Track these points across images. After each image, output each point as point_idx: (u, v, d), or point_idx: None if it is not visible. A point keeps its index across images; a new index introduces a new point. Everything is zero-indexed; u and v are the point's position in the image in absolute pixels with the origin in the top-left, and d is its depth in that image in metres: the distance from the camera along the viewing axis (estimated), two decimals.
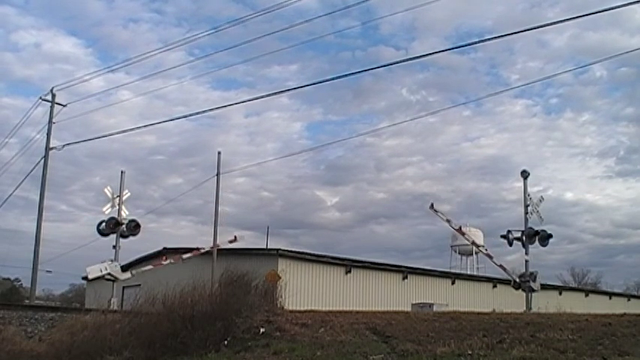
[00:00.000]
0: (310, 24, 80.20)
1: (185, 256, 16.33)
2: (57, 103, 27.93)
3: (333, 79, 18.30)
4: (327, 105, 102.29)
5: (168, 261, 18.27)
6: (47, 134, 27.51)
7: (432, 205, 17.94)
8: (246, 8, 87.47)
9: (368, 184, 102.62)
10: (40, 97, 28.12)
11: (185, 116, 35.93)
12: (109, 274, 19.41)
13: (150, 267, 20.37)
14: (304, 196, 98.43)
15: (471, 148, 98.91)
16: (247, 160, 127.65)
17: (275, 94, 20.42)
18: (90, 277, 19.45)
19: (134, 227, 20.71)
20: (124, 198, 21.02)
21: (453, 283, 29.38)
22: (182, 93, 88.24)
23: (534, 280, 19.16)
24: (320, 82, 17.74)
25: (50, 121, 27.71)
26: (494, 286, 30.46)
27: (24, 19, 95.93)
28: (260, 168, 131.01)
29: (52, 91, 28.05)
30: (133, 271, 21.27)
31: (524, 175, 20.23)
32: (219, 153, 27.26)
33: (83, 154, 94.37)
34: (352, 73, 17.05)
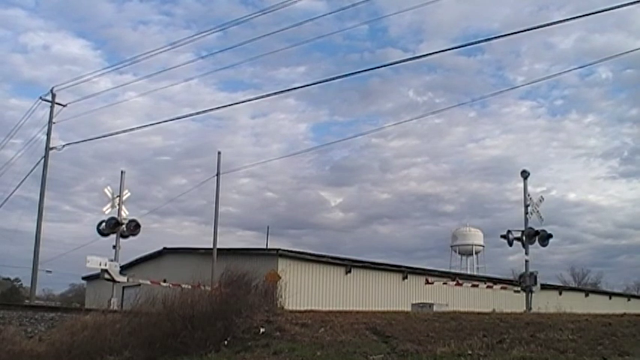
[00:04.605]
0: (318, 27, 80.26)
1: (184, 285, 16.51)
2: (57, 103, 27.93)
3: (336, 78, 18.37)
4: (333, 106, 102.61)
5: (167, 284, 18.35)
6: (47, 134, 27.55)
7: (426, 280, 18.36)
8: (256, 10, 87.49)
9: (372, 185, 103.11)
10: (40, 97, 28.14)
11: (186, 116, 35.95)
12: (106, 272, 19.40)
13: (148, 282, 20.39)
14: (308, 197, 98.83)
15: (475, 148, 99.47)
16: (252, 161, 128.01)
17: (277, 93, 20.51)
18: (88, 265, 19.46)
19: (134, 227, 20.70)
20: (124, 198, 21.01)
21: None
22: (189, 94, 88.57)
23: (535, 282, 19.15)
24: (324, 82, 17.80)
25: (50, 121, 27.73)
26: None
27: (33, 21, 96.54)
28: (264, 169, 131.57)
29: (52, 91, 28.05)
30: (130, 278, 21.31)
31: (524, 175, 20.25)
32: (219, 153, 27.37)
33: (88, 155, 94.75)
34: (354, 73, 17.01)
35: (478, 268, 52.56)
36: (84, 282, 39.71)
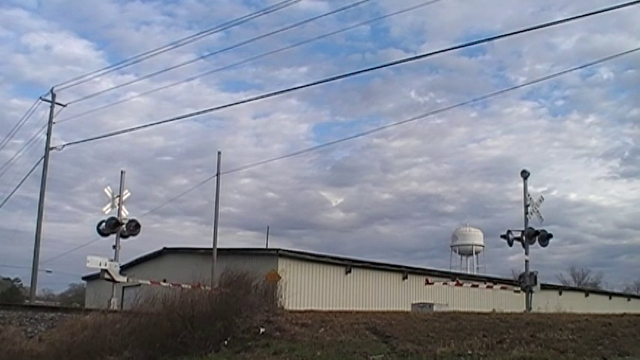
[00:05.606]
0: (321, 27, 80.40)
1: (184, 285, 16.50)
2: (57, 103, 27.94)
3: (337, 77, 18.31)
4: (335, 107, 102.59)
5: (167, 284, 18.36)
6: (47, 134, 27.56)
7: (426, 280, 18.38)
8: (258, 10, 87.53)
9: (373, 185, 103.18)
10: (41, 97, 28.16)
11: (187, 115, 36.03)
12: (106, 272, 19.40)
13: (148, 282, 20.36)
14: (309, 197, 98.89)
15: (477, 149, 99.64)
16: (254, 161, 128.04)
17: (279, 93, 20.32)
18: (88, 265, 19.46)
19: (134, 227, 20.70)
20: (125, 198, 21.02)
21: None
22: (191, 94, 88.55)
23: (535, 282, 19.16)
24: (326, 81, 17.84)
25: (50, 121, 27.74)
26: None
27: (36, 21, 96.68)
28: (266, 169, 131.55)
29: (52, 91, 28.06)
30: (130, 278, 21.30)
31: (524, 175, 20.26)
32: (219, 153, 27.38)
33: (90, 155, 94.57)
34: (356, 72, 17.07)
35: (478, 268, 52.57)
36: (84, 282, 39.71)
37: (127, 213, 21.02)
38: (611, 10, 12.06)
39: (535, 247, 19.96)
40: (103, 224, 20.44)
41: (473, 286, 25.05)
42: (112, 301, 19.91)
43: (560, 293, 32.70)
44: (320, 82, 18.28)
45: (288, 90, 21.01)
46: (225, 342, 12.81)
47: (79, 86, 28.81)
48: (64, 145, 27.58)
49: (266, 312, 14.50)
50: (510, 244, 19.70)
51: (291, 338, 12.43)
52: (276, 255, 22.78)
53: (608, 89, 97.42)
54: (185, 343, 12.70)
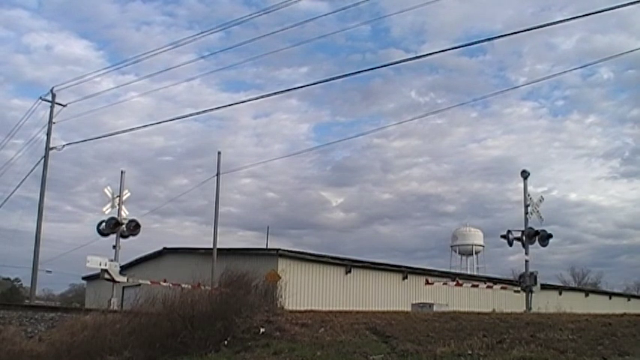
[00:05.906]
0: (321, 27, 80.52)
1: (184, 285, 16.50)
2: (57, 103, 27.94)
3: (338, 77, 18.29)
4: (335, 107, 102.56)
5: (167, 284, 18.38)
6: (47, 134, 27.57)
7: (426, 280, 18.40)
8: (258, 10, 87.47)
9: (373, 185, 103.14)
10: (40, 97, 28.16)
11: (187, 115, 35.99)
12: (106, 272, 19.41)
13: (148, 282, 20.37)
14: (309, 197, 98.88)
15: (477, 149, 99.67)
16: (254, 161, 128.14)
17: (279, 92, 20.29)
18: (88, 265, 19.48)
19: (134, 227, 20.71)
20: (125, 198, 21.03)
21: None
22: (191, 94, 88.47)
23: (535, 282, 19.17)
24: (326, 81, 17.84)
25: (50, 121, 27.75)
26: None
27: (36, 21, 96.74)
28: (266, 169, 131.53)
29: (52, 91, 28.07)
30: (130, 278, 21.31)
31: (524, 175, 20.27)
32: (219, 153, 27.39)
33: (90, 155, 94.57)
34: (356, 72, 17.04)
35: (478, 268, 52.58)
36: (84, 282, 39.72)
37: (127, 213, 21.06)
38: (611, 10, 12.06)
39: (535, 247, 19.98)
40: (103, 224, 20.45)
41: (473, 286, 25.04)
42: (112, 301, 19.92)
43: (560, 293, 32.70)
44: (320, 82, 18.25)
45: (289, 90, 20.96)
46: (225, 342, 12.81)
47: (79, 86, 28.87)
48: (64, 145, 27.63)
49: (266, 312, 14.50)
50: (510, 244, 19.71)
51: (291, 338, 12.44)
52: (276, 255, 22.78)
53: (608, 89, 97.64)
54: (185, 343, 12.70)
